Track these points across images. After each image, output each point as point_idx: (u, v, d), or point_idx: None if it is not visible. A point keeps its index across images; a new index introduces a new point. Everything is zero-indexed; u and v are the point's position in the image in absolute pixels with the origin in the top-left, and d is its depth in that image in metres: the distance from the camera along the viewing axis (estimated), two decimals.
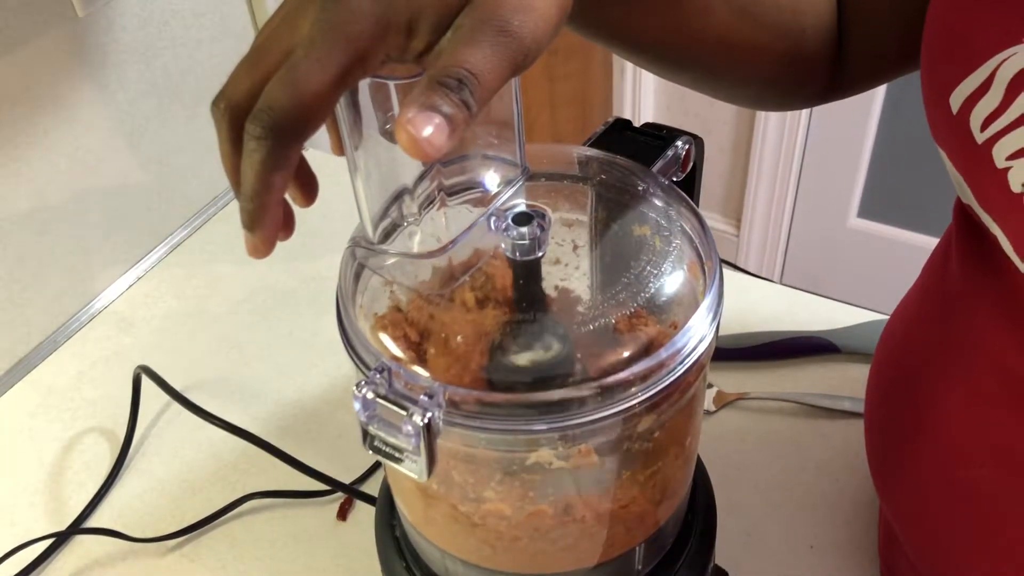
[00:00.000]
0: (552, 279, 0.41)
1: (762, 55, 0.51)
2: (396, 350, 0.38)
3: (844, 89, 0.55)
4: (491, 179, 0.39)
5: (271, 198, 0.33)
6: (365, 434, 0.35)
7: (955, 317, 0.45)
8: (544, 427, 0.35)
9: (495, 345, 0.38)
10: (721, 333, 0.46)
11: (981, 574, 0.46)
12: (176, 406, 0.69)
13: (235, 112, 0.33)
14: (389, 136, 0.35)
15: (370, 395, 0.34)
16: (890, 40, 0.51)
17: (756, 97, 0.56)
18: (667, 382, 0.36)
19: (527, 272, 0.39)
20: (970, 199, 0.40)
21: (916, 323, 0.51)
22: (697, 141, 0.48)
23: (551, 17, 0.32)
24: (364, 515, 0.65)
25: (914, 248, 1.83)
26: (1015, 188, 0.35)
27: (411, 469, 0.34)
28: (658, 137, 0.47)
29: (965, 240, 0.44)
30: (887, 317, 0.74)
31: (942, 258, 0.48)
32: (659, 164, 0.46)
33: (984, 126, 0.36)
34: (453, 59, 0.29)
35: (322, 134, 0.35)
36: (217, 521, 0.65)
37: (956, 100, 0.37)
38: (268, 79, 0.31)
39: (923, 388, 0.47)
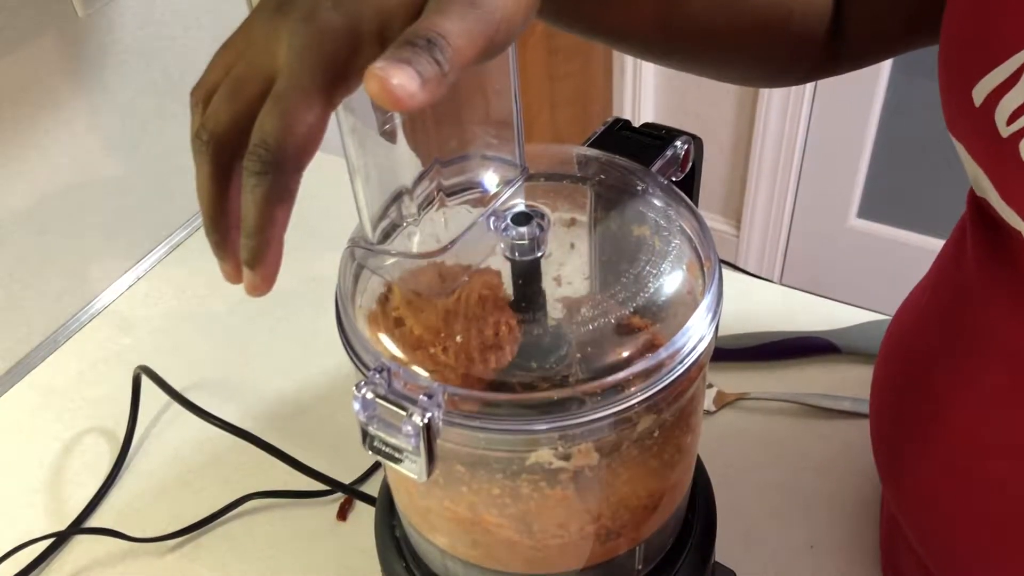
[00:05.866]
0: (551, 279, 0.41)
1: (746, 39, 0.50)
2: (394, 348, 0.38)
3: (843, 65, 0.54)
4: (490, 179, 0.39)
5: (275, 233, 0.33)
6: (365, 434, 0.35)
7: (970, 310, 0.45)
8: (544, 427, 0.35)
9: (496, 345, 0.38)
10: (721, 333, 0.46)
11: (991, 565, 0.46)
12: (176, 406, 0.69)
13: (220, 145, 0.33)
14: (388, 136, 0.35)
15: (370, 395, 0.34)
16: (893, 18, 0.50)
17: (744, 77, 0.55)
18: (667, 382, 0.36)
19: (527, 272, 0.39)
20: (988, 192, 0.39)
21: (928, 315, 0.50)
22: (696, 141, 0.48)
23: None
24: (364, 515, 0.65)
25: (914, 248, 1.83)
26: None
27: (411, 469, 0.34)
28: (657, 137, 0.47)
29: (981, 234, 0.43)
30: (887, 317, 0.74)
31: (955, 251, 0.48)
32: (658, 164, 0.46)
33: (1011, 120, 0.36)
34: (422, 24, 0.29)
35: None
36: (217, 521, 0.65)
37: (980, 93, 0.37)
38: (251, 109, 0.31)
39: (935, 380, 0.47)
